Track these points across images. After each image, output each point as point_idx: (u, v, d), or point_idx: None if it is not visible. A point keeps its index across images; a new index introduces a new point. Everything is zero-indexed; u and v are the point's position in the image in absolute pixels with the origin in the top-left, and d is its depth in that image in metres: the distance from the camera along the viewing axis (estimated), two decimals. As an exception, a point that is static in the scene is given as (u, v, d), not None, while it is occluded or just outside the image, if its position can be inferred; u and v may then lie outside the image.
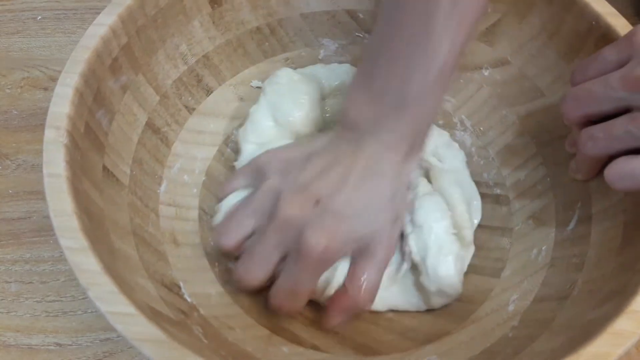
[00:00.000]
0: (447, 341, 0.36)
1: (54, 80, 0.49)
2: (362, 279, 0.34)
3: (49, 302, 0.39)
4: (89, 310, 0.39)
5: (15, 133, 0.46)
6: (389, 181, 0.35)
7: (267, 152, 0.38)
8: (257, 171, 0.37)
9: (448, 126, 0.45)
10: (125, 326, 0.26)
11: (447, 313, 0.38)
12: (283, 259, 0.34)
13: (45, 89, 0.49)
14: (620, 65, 0.33)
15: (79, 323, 0.39)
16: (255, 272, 0.34)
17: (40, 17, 0.53)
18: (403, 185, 0.36)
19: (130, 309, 0.27)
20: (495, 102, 0.44)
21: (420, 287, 0.37)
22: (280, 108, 0.41)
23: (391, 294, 0.38)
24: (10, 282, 0.40)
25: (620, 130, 0.32)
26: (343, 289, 0.35)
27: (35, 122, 0.47)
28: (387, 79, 0.34)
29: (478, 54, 0.45)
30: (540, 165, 0.41)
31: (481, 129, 0.44)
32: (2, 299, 0.39)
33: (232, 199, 0.38)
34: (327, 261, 0.33)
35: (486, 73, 0.45)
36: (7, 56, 0.51)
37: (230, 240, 0.35)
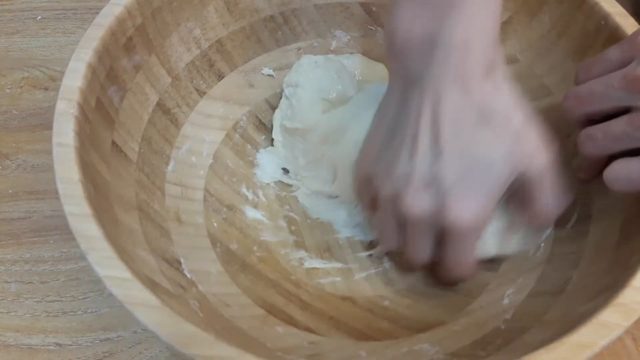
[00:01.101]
0: (440, 331, 0.36)
1: (54, 80, 0.49)
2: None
3: (49, 302, 0.39)
4: (89, 310, 0.39)
5: (15, 133, 0.46)
6: (481, 114, 0.32)
7: (355, 165, 0.37)
8: (367, 190, 0.36)
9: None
10: (121, 290, 0.27)
11: (442, 304, 0.38)
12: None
13: (45, 89, 0.48)
14: (623, 65, 0.33)
15: (79, 323, 0.38)
16: (418, 258, 0.36)
17: (40, 17, 0.53)
18: (501, 97, 0.33)
19: (128, 274, 0.27)
20: (502, 99, 0.44)
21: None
22: (324, 87, 0.43)
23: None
24: (10, 282, 0.40)
25: (618, 131, 0.32)
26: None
27: (35, 122, 0.46)
28: None
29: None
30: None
31: (487, 125, 0.45)
32: (2, 299, 0.39)
33: None
34: (479, 226, 0.33)
35: (495, 70, 0.45)
36: (7, 56, 0.50)
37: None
